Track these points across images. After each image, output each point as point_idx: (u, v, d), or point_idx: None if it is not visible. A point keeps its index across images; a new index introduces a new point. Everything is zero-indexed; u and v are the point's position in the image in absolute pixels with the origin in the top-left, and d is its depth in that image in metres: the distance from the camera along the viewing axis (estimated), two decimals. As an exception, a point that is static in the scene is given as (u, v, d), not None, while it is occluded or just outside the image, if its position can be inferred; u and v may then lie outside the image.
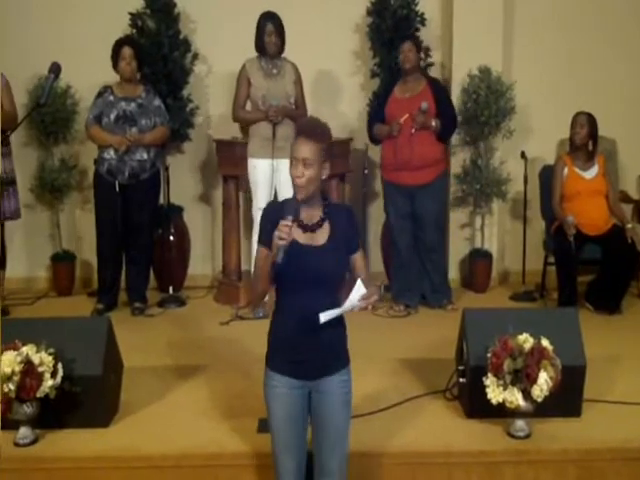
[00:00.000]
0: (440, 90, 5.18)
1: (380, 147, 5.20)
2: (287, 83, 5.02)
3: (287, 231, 2.35)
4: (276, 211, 2.44)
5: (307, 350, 2.49)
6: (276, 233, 2.34)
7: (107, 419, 3.37)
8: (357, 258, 2.59)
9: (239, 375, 3.94)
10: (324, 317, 2.40)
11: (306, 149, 2.42)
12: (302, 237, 2.48)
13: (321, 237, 2.50)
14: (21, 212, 5.22)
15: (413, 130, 4.90)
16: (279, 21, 4.95)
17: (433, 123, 4.97)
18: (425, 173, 5.01)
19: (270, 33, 4.93)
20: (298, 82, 5.06)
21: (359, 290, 2.40)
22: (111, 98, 5.03)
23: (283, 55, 5.06)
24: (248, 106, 5.10)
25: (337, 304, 2.45)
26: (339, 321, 2.51)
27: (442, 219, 5.33)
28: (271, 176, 4.94)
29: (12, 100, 5.04)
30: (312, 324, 2.40)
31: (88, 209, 5.66)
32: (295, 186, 2.46)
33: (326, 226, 2.51)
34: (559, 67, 5.79)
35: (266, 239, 2.43)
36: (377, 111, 5.17)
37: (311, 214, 2.51)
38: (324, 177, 2.48)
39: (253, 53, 5.07)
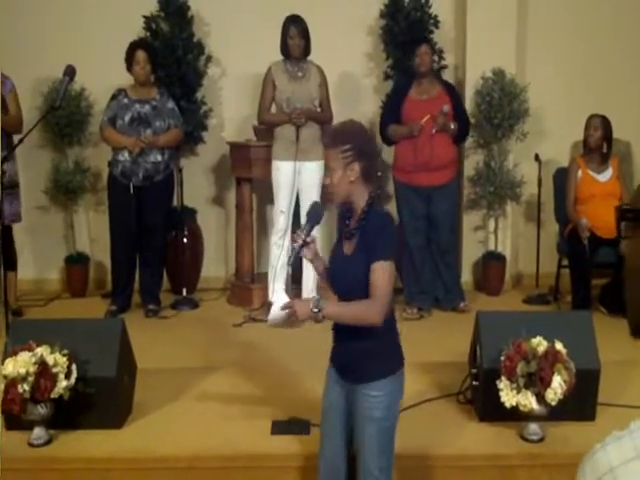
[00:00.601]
0: (456, 94, 5.22)
1: (394, 148, 5.19)
2: (312, 86, 5.03)
3: (299, 234, 2.49)
4: (321, 212, 2.59)
5: (340, 355, 2.56)
6: (292, 234, 2.49)
7: (121, 420, 3.39)
8: (372, 269, 2.38)
9: (252, 377, 3.94)
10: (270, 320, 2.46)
11: (326, 156, 2.48)
12: (345, 245, 2.53)
13: (351, 246, 2.51)
14: (22, 216, 5.22)
15: (434, 131, 4.93)
16: (303, 24, 4.96)
17: (452, 126, 5.02)
18: (442, 174, 5.04)
19: (294, 36, 4.94)
20: (323, 85, 5.07)
21: (279, 299, 2.41)
22: (125, 100, 5.06)
23: (309, 58, 5.06)
24: (273, 109, 5.11)
25: None
26: (374, 332, 2.42)
27: (456, 221, 5.32)
28: (293, 178, 4.94)
29: (18, 105, 5.07)
30: (340, 332, 2.50)
31: (102, 211, 5.69)
32: (328, 194, 2.55)
33: (358, 234, 2.49)
34: (573, 69, 5.77)
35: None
36: (392, 112, 5.16)
37: (355, 221, 2.52)
38: (352, 179, 2.44)
39: (267, 55, 5.08)
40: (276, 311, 2.41)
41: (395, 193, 5.28)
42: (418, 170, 5.01)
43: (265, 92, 5.07)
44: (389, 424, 2.51)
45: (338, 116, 5.43)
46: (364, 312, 2.38)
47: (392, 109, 5.18)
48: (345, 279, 2.48)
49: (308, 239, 2.53)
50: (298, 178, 4.98)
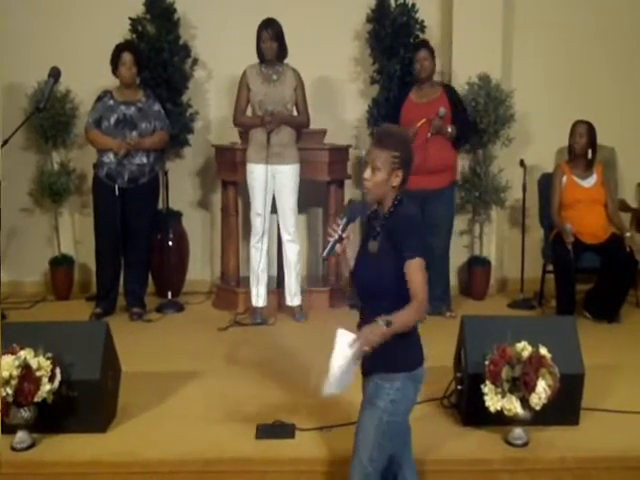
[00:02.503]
0: (456, 97, 5.22)
1: None
2: (286, 89, 5.01)
3: (335, 229, 2.54)
4: (358, 210, 2.60)
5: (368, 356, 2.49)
6: (328, 229, 2.56)
7: (105, 424, 3.36)
8: (405, 267, 2.44)
9: (237, 381, 3.93)
10: (327, 389, 2.39)
11: (376, 153, 2.50)
12: (371, 245, 2.56)
13: (376, 245, 2.54)
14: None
15: (429, 134, 4.92)
16: (277, 27, 4.94)
17: (449, 129, 5.01)
18: (438, 178, 5.03)
19: (265, 39, 4.93)
20: (299, 88, 5.05)
21: (343, 339, 2.36)
22: (111, 102, 5.04)
23: (286, 61, 5.06)
24: (249, 111, 5.10)
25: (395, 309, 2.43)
26: None
27: (452, 226, 5.29)
28: (266, 181, 4.93)
29: None
30: (363, 318, 2.52)
31: (87, 213, 5.66)
32: (364, 189, 2.56)
33: (383, 234, 2.53)
34: (558, 75, 5.81)
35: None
36: (391, 115, 5.12)
37: (379, 221, 2.57)
38: (394, 185, 2.51)
39: (253, 59, 5.07)
40: (346, 351, 2.34)
41: None
42: (413, 174, 4.97)
43: (240, 95, 5.06)
44: (391, 419, 2.50)
45: (325, 120, 5.46)
46: (416, 313, 2.44)
47: (390, 112, 5.17)
48: (369, 277, 2.51)
49: (344, 234, 2.55)
50: (272, 181, 4.96)
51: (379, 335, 2.35)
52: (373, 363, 2.50)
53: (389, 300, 2.45)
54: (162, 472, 3.10)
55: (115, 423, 3.44)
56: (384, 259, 2.48)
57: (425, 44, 5.20)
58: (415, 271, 2.43)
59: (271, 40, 4.92)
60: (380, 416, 2.50)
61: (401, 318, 2.40)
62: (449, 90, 5.22)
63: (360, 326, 2.52)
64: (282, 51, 4.99)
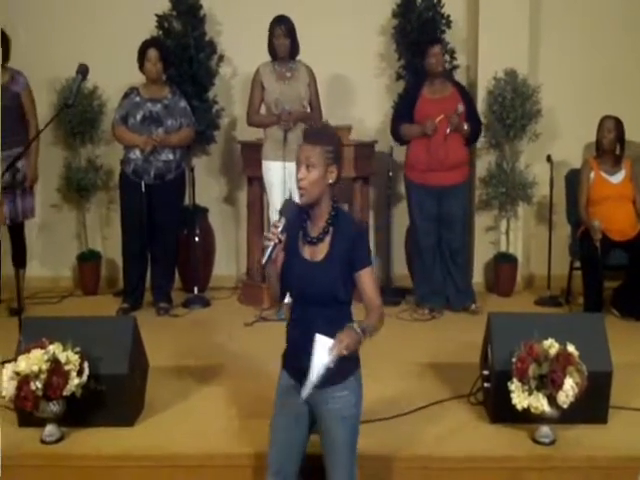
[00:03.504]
0: (468, 95, 5.22)
1: (407, 147, 5.18)
2: (301, 86, 5.02)
3: (275, 232, 2.40)
4: (294, 210, 2.50)
5: (306, 360, 2.41)
6: (265, 233, 2.42)
7: (132, 418, 3.40)
8: (361, 276, 2.46)
9: (263, 376, 3.92)
10: (305, 393, 2.39)
11: (309, 151, 2.43)
12: (306, 250, 2.50)
13: (320, 252, 2.48)
14: (35, 211, 5.26)
15: (448, 131, 4.91)
16: (289, 24, 4.95)
17: (465, 127, 5.00)
18: (455, 174, 5.04)
19: (278, 36, 4.94)
20: (312, 84, 5.05)
21: (322, 344, 2.34)
22: (137, 99, 5.07)
23: (298, 58, 5.05)
24: (263, 110, 5.11)
25: (340, 321, 2.43)
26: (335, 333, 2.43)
27: (467, 221, 5.31)
28: (284, 178, 4.94)
29: (33, 102, 5.09)
30: (309, 338, 2.38)
31: (114, 209, 5.71)
32: (299, 189, 2.47)
33: (327, 240, 2.47)
34: (586, 70, 5.75)
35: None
36: (405, 111, 5.14)
37: (317, 225, 2.50)
38: (331, 181, 2.45)
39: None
40: (325, 357, 2.32)
41: (406, 193, 5.27)
42: (431, 170, 5.00)
43: (253, 93, 5.07)
44: (356, 421, 2.55)
45: (351, 116, 5.45)
46: (382, 317, 2.49)
47: (404, 108, 5.17)
48: (314, 285, 2.45)
49: (282, 237, 2.44)
50: (290, 179, 4.97)
51: (358, 341, 2.36)
52: (333, 376, 2.42)
53: (332, 306, 2.45)
54: (189, 466, 3.13)
55: (142, 417, 3.47)
56: (330, 267, 2.42)
57: (438, 39, 5.19)
58: (370, 279, 2.46)
59: (284, 36, 4.93)
60: (351, 423, 2.53)
61: (373, 324, 2.43)
62: (461, 88, 5.20)
63: (296, 331, 2.53)
64: (295, 48, 5.00)
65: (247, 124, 5.19)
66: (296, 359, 2.51)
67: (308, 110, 5.07)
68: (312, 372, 2.35)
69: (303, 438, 2.63)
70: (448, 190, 5.02)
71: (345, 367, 2.45)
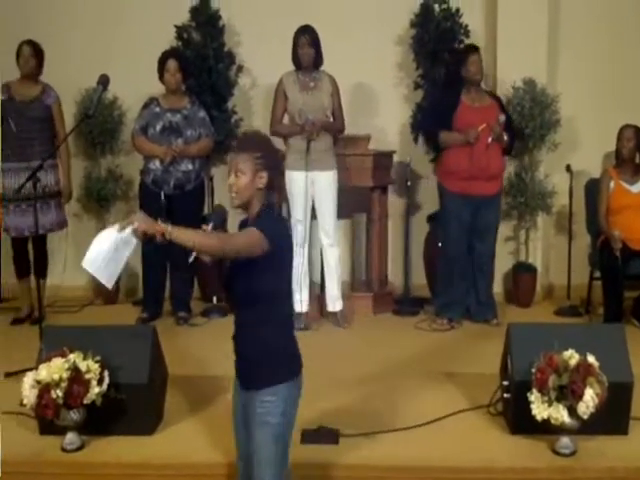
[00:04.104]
0: (504, 105, 5.19)
1: (443, 155, 5.08)
2: (324, 96, 5.03)
3: None
4: (224, 216, 2.60)
5: (238, 362, 2.59)
6: None
7: (152, 427, 3.41)
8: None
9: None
10: (86, 264, 2.41)
11: (237, 158, 2.48)
12: None
13: None
14: (67, 222, 5.32)
15: (489, 140, 4.88)
16: (313, 34, 4.96)
17: (505, 137, 4.97)
18: (493, 184, 5.02)
19: (302, 45, 4.95)
20: (335, 94, 5.07)
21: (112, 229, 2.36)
22: (157, 109, 5.11)
23: (322, 68, 5.07)
24: (286, 119, 5.13)
25: (266, 322, 2.47)
26: (262, 339, 2.49)
27: (497, 232, 5.25)
28: (306, 188, 4.96)
29: (62, 117, 5.17)
30: (236, 337, 2.55)
31: (133, 220, 5.73)
32: (230, 194, 2.51)
33: None
34: (605, 79, 5.72)
35: None
36: (442, 118, 5.02)
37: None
38: (260, 186, 2.49)
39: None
40: (107, 246, 2.34)
41: (441, 201, 5.16)
42: (473, 178, 4.93)
43: (277, 103, 5.09)
44: (283, 430, 2.52)
45: (369, 126, 5.46)
46: (207, 238, 2.44)
47: (443, 115, 5.03)
48: (240, 284, 2.48)
49: None
50: (312, 188, 4.99)
51: (151, 225, 2.37)
52: (256, 378, 2.49)
53: (264, 305, 2.47)
54: (209, 475, 3.13)
55: (162, 426, 3.48)
56: (255, 265, 2.43)
57: (476, 48, 5.13)
58: (248, 230, 2.44)
59: (309, 46, 4.95)
60: (274, 432, 2.49)
61: (192, 234, 2.41)
62: (497, 98, 5.18)
63: (236, 338, 2.55)
64: (319, 58, 5.01)
65: (270, 134, 5.20)
66: (235, 362, 2.62)
67: (331, 120, 5.09)
68: (95, 241, 2.37)
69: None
70: (485, 200, 4.98)
71: (276, 372, 2.49)
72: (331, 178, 5.01)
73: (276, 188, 2.55)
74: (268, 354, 2.50)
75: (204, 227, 2.51)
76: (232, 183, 2.49)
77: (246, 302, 2.50)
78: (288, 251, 2.55)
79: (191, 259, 2.49)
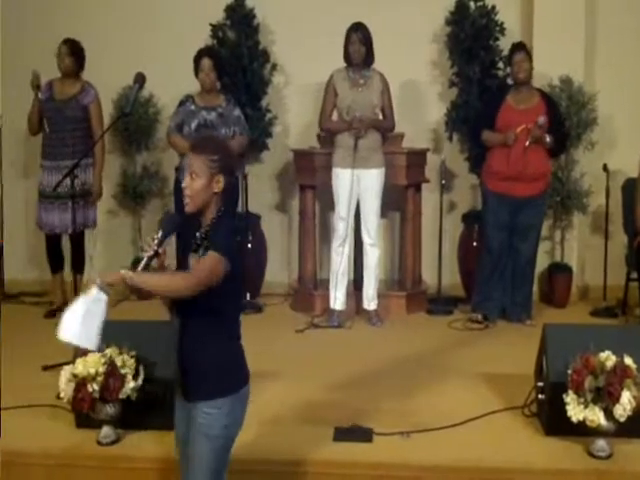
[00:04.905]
0: (555, 106, 5.10)
1: (487, 155, 5.07)
2: (373, 94, 5.02)
3: (151, 244, 2.37)
4: (174, 223, 2.46)
5: (181, 372, 2.48)
6: (140, 244, 2.35)
7: (186, 422, 3.43)
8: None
9: (315, 383, 3.96)
10: (62, 334, 2.25)
11: (193, 160, 2.42)
12: (192, 259, 2.44)
13: (197, 259, 2.42)
14: (97, 221, 5.38)
15: (527, 143, 4.83)
16: (365, 31, 4.96)
17: (547, 139, 4.91)
18: (534, 186, 4.96)
19: (354, 42, 4.96)
20: (386, 92, 5.06)
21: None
22: (192, 107, 5.14)
23: (373, 66, 5.07)
24: (334, 116, 5.13)
25: (215, 334, 2.41)
26: (208, 350, 2.43)
27: (540, 234, 5.21)
28: (351, 186, 4.95)
29: (99, 116, 5.22)
30: (181, 348, 2.45)
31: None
32: (184, 198, 2.43)
33: (204, 246, 2.42)
34: (644, 77, 5.64)
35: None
36: (486, 117, 5.04)
37: (202, 233, 2.46)
38: (217, 191, 2.41)
39: (331, 63, 5.11)
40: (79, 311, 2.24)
41: (482, 200, 5.18)
42: (511, 179, 4.91)
43: (326, 99, 5.09)
44: (224, 443, 2.46)
45: (404, 123, 5.45)
46: (171, 281, 2.34)
47: (487, 114, 5.05)
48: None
49: (160, 250, 2.40)
50: (357, 186, 4.99)
51: (114, 276, 2.27)
52: (198, 390, 2.42)
53: (212, 317, 2.40)
54: (241, 470, 3.13)
55: (195, 422, 3.50)
56: None
57: (521, 46, 5.08)
58: (206, 258, 2.33)
59: (359, 43, 4.95)
60: (214, 444, 2.43)
61: (160, 277, 2.34)
62: (548, 98, 5.10)
63: (181, 349, 2.47)
64: (370, 55, 5.01)
65: (319, 129, 5.23)
66: (177, 370, 2.52)
67: (380, 117, 5.08)
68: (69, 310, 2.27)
69: None
70: (525, 201, 4.94)
71: (221, 384, 2.42)
72: (377, 177, 5.00)
73: (231, 194, 2.49)
74: (214, 366, 2.43)
75: (154, 235, 2.38)
76: (186, 185, 2.41)
77: (194, 313, 2.40)
78: (239, 262, 2.44)
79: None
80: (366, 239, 5.10)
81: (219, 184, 2.41)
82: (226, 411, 2.42)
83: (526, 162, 4.87)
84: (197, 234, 2.45)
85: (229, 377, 2.45)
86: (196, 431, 2.43)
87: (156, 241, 2.39)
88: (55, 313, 5.21)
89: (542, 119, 4.88)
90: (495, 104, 5.06)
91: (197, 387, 2.43)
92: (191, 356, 2.44)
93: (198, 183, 2.40)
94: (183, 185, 2.42)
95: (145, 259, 2.37)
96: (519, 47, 5.07)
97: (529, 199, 4.95)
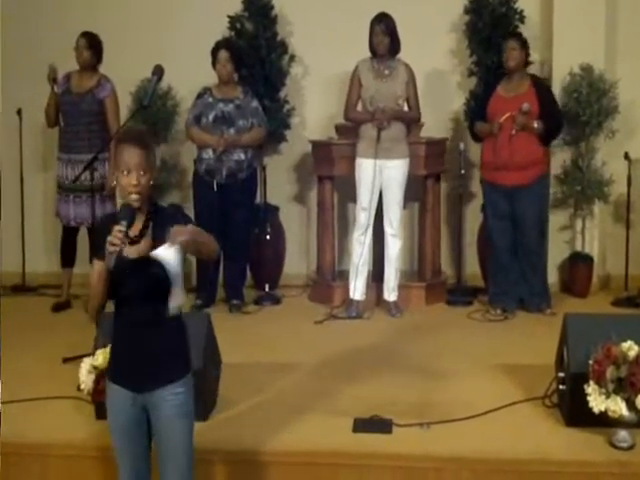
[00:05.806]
0: (544, 91, 5.06)
1: (481, 145, 5.12)
2: (398, 84, 5.01)
3: (120, 237, 2.31)
4: (109, 222, 2.38)
5: (135, 361, 2.43)
6: (109, 238, 2.30)
7: (206, 413, 3.43)
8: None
9: (334, 374, 3.96)
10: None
11: (140, 156, 2.38)
12: (130, 250, 2.40)
13: (145, 247, 2.39)
14: None
15: (513, 131, 4.81)
16: (389, 22, 4.95)
17: (535, 125, 4.87)
18: (524, 174, 4.91)
19: (377, 33, 4.94)
20: (411, 83, 5.05)
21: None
22: (210, 99, 5.15)
23: (398, 56, 5.04)
24: (359, 106, 5.12)
25: (166, 316, 2.39)
26: (169, 331, 2.43)
27: (543, 221, 5.20)
28: (374, 176, 4.94)
29: (116, 110, 5.22)
30: (139, 335, 2.41)
31: (187, 208, 5.76)
32: (131, 195, 2.38)
33: (149, 234, 2.41)
34: (666, 64, 5.56)
35: (102, 253, 2.38)
36: (479, 108, 5.10)
37: (137, 226, 2.43)
38: (152, 182, 2.41)
39: (349, 55, 5.09)
40: None
41: (482, 191, 5.22)
42: (499, 169, 4.92)
43: (351, 90, 5.09)
44: (193, 421, 2.51)
45: (423, 113, 5.42)
46: (213, 242, 2.38)
47: (480, 105, 5.11)
48: (144, 280, 2.35)
49: (126, 241, 2.36)
50: (380, 176, 4.98)
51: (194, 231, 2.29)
52: (163, 378, 2.40)
53: (161, 294, 2.35)
54: (260, 462, 3.15)
55: (215, 412, 3.51)
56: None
57: (515, 34, 5.08)
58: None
59: (383, 34, 4.93)
60: (190, 420, 2.47)
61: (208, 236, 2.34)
62: (538, 84, 5.06)
63: (132, 338, 2.42)
64: (394, 46, 5.00)
65: (344, 119, 5.22)
66: (123, 362, 2.48)
67: (405, 109, 5.06)
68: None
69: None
70: (518, 190, 4.92)
71: (182, 364, 2.47)
72: (401, 167, 4.99)
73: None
74: (175, 346, 2.46)
75: (120, 228, 2.32)
76: (136, 183, 2.35)
77: (147, 299, 2.38)
78: None
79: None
80: (388, 230, 5.08)
81: (153, 176, 2.42)
82: (188, 389, 2.48)
83: (512, 150, 4.83)
84: (128, 227, 2.36)
85: (186, 356, 2.51)
86: (172, 415, 2.43)
87: (123, 233, 2.33)
88: (62, 307, 5.26)
89: (526, 105, 4.82)
90: (487, 94, 5.06)
91: (163, 372, 2.42)
92: (151, 342, 2.41)
93: (147, 178, 2.38)
94: (133, 183, 2.36)
95: (114, 254, 2.31)
96: (511, 35, 5.06)
97: (520, 188, 4.91)
